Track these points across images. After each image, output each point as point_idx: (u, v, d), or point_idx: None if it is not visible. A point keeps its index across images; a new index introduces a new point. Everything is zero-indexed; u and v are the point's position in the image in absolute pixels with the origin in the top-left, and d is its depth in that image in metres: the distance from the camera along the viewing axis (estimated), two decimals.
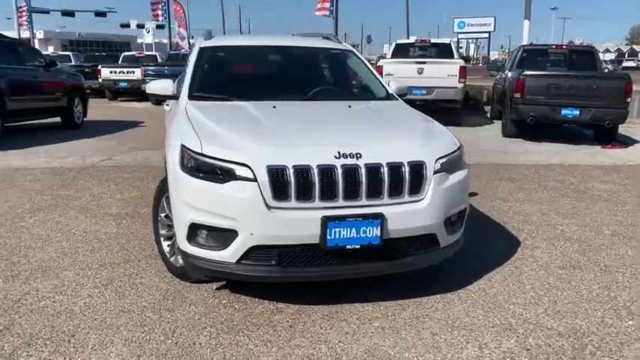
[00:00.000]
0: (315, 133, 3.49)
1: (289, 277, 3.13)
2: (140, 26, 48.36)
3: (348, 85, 4.82)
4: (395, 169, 3.14)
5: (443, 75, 12.40)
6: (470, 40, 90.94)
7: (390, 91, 4.54)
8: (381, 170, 3.10)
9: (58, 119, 11.75)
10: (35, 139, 10.14)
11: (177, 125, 3.64)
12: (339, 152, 3.08)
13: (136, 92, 18.87)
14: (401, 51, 14.46)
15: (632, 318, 3.32)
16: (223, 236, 3.08)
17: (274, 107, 3.91)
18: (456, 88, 12.39)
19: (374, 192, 3.11)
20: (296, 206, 3.04)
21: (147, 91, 4.36)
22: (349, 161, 3.07)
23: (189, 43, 25.92)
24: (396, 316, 3.30)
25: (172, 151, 3.34)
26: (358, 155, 3.10)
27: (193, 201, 3.12)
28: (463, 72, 12.44)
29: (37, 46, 70.17)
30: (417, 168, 3.21)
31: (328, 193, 3.04)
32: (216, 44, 4.84)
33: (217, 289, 3.61)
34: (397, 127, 3.74)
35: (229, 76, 4.68)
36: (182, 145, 3.26)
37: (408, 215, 3.19)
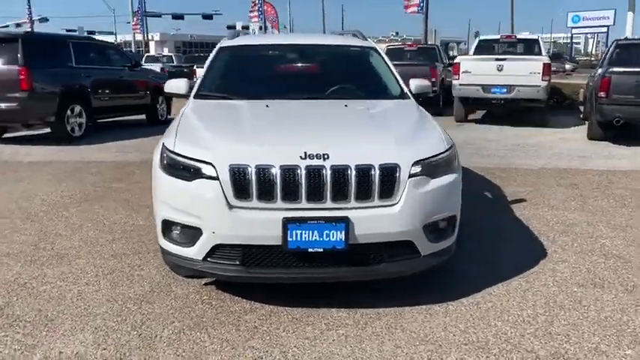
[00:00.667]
0: (291, 132, 3.44)
1: (252, 277, 3.11)
2: (245, 27, 50.26)
3: (360, 83, 4.69)
4: (363, 171, 3.01)
5: (524, 72, 11.70)
6: (589, 36, 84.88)
7: (405, 90, 4.35)
8: (348, 172, 2.99)
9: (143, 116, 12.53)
10: (115, 135, 10.89)
11: (171, 124, 3.74)
12: (305, 153, 3.01)
13: None
14: (485, 47, 13.81)
15: (634, 347, 2.94)
16: (191, 233, 3.13)
17: (267, 106, 3.90)
18: (539, 86, 11.65)
19: (339, 195, 3.00)
20: (257, 206, 3.01)
21: (164, 90, 4.52)
22: (314, 162, 2.98)
23: None
24: (367, 324, 3.17)
25: (157, 149, 3.44)
26: (325, 156, 3.01)
27: (166, 198, 3.20)
28: (547, 69, 11.66)
29: (153, 47, 75.29)
30: (389, 171, 3.05)
31: (290, 194, 2.98)
32: (235, 44, 4.91)
33: (205, 284, 3.66)
34: (382, 127, 3.58)
35: (240, 76, 4.73)
36: (162, 144, 3.35)
37: (378, 220, 3.04)
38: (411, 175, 3.09)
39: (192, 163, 3.09)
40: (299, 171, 2.96)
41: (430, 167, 3.19)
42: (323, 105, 4.06)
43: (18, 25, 43.26)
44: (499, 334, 3.07)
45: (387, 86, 4.52)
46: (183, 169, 3.12)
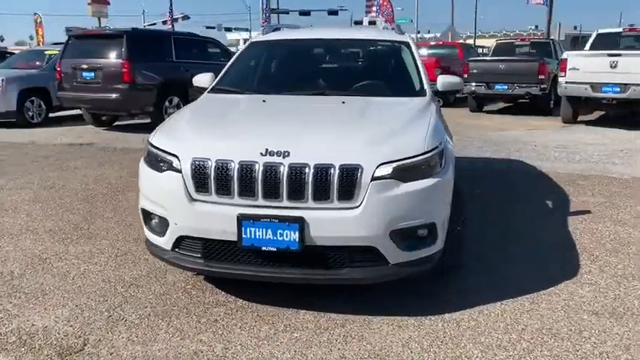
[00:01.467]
0: (262, 128, 3.39)
1: (212, 271, 3.13)
2: (372, 23, 50.19)
3: (377, 79, 4.47)
4: (322, 171, 2.89)
5: None
6: None
7: (424, 88, 4.09)
8: (306, 171, 2.89)
9: None
10: None
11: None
12: (266, 149, 2.96)
13: None
14: (604, 41, 12.51)
15: None
16: (161, 223, 3.22)
17: (264, 101, 3.88)
18: None
19: (296, 194, 2.91)
20: (216, 200, 3.02)
21: (193, 84, 4.67)
22: (273, 159, 2.92)
23: None
24: (327, 330, 3.06)
25: None
26: (286, 154, 2.93)
27: (143, 188, 3.32)
28: None
29: None
30: (350, 172, 2.90)
31: (247, 191, 2.95)
32: (265, 39, 4.93)
33: (197, 274, 3.75)
34: (361, 126, 3.39)
35: (258, 70, 4.74)
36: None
37: (337, 223, 2.91)
38: (375, 178, 2.91)
39: (163, 155, 3.17)
40: (257, 167, 2.92)
41: (401, 170, 2.97)
42: (321, 101, 3.95)
43: (164, 22, 46.97)
44: (457, 357, 2.80)
45: (405, 83, 4.28)
46: (158, 161, 3.21)
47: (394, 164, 2.96)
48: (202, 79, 4.52)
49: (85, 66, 10.35)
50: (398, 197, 2.94)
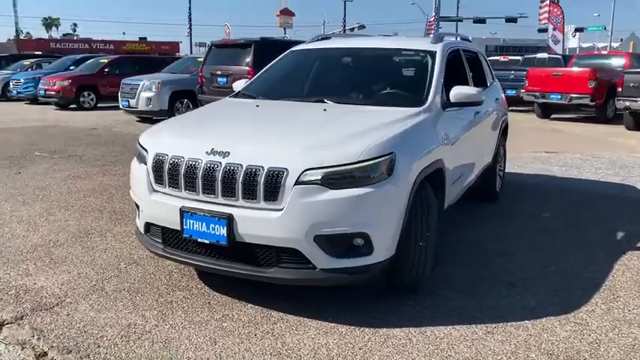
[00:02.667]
0: (223, 130, 3.62)
1: (168, 257, 3.43)
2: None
3: (382, 87, 4.38)
4: (252, 172, 3.05)
5: None
6: None
7: (429, 101, 3.96)
8: (238, 171, 3.08)
9: None
10: None
11: None
12: (212, 148, 3.21)
13: None
14: None
15: None
16: (138, 210, 3.64)
17: (257, 106, 4.11)
18: None
19: (228, 192, 3.11)
20: (168, 192, 3.35)
21: (233, 89, 5.06)
22: (214, 158, 3.16)
23: (563, 46, 24.09)
24: (254, 325, 3.21)
25: None
26: (226, 154, 3.15)
27: (131, 179, 3.77)
28: None
29: None
30: (275, 175, 3.01)
31: (190, 185, 3.23)
32: (303, 47, 5.12)
33: None
34: (313, 132, 3.42)
35: (281, 77, 4.92)
36: None
37: (262, 222, 3.05)
38: (299, 182, 2.99)
39: (141, 149, 3.59)
40: (200, 164, 3.18)
41: (329, 177, 3.00)
42: (307, 108, 4.03)
43: (342, 31, 49.10)
44: None
45: (409, 93, 4.17)
46: (139, 155, 3.64)
47: (323, 170, 3.00)
48: (238, 85, 4.88)
49: (219, 72, 11.45)
50: (322, 203, 2.98)
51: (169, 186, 3.32)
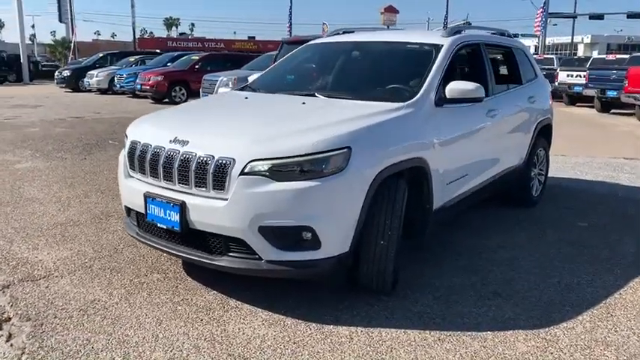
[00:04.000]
0: (193, 120, 3.71)
1: (141, 240, 3.59)
2: None
3: (377, 83, 4.21)
4: (203, 161, 3.12)
5: None
6: None
7: (418, 96, 3.80)
8: (192, 160, 3.16)
9: None
10: None
11: None
12: (175, 137, 3.32)
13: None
14: None
15: None
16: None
17: (246, 98, 4.16)
18: None
19: (183, 179, 3.21)
20: (138, 178, 3.51)
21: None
22: (175, 146, 3.27)
23: None
24: (205, 311, 3.28)
25: None
26: (185, 142, 3.25)
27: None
28: None
29: (581, 50, 71.44)
30: (223, 164, 3.05)
31: (154, 172, 3.36)
32: (317, 41, 5.10)
33: None
34: (272, 124, 3.40)
35: (287, 71, 4.90)
36: None
37: (208, 210, 3.11)
38: (244, 173, 3.01)
39: (124, 137, 3.79)
40: (162, 152, 3.31)
41: (276, 169, 3.00)
42: (288, 102, 4.00)
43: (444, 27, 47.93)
44: None
45: (400, 88, 4.01)
46: (124, 142, 3.85)
47: (269, 162, 3.00)
48: (250, 78, 4.98)
49: None
50: (265, 194, 2.98)
51: (139, 172, 3.48)
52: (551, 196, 6.07)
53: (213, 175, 3.06)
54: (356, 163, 3.10)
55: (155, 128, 3.60)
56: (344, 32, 5.26)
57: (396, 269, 3.39)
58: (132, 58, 23.50)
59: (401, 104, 3.67)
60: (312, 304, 3.33)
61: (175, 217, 3.19)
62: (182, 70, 17.84)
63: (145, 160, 3.39)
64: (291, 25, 43.72)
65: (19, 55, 32.91)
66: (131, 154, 3.53)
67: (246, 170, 3.00)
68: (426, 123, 3.75)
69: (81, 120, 12.78)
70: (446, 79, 4.05)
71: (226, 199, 3.05)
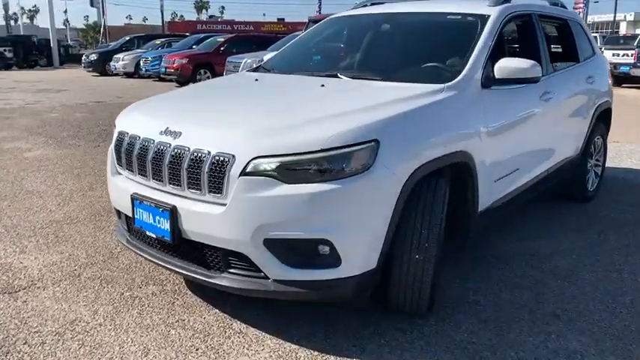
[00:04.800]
0: (190, 106, 3.14)
1: (131, 248, 3.05)
2: None
3: (414, 61, 3.56)
4: (197, 157, 2.54)
5: None
6: None
7: (463, 73, 3.15)
8: (184, 155, 2.59)
9: None
10: None
11: None
12: (167, 128, 2.75)
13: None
14: None
15: None
16: None
17: (256, 80, 3.56)
18: None
19: (175, 179, 2.64)
20: (127, 176, 2.97)
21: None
22: (166, 139, 2.70)
23: None
24: (206, 345, 2.74)
25: None
26: (178, 134, 2.68)
27: None
28: None
29: (623, 28, 68.99)
30: (221, 162, 2.48)
31: (142, 169, 2.81)
32: (343, 14, 4.45)
33: None
34: (283, 111, 2.81)
35: (308, 49, 4.27)
36: None
37: (204, 218, 2.54)
38: (245, 173, 2.43)
39: (113, 127, 3.24)
40: (151, 145, 2.75)
41: (285, 167, 2.40)
42: (305, 84, 3.39)
43: None
44: None
45: (439, 68, 3.35)
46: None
47: (277, 159, 2.41)
48: (266, 57, 4.38)
49: None
50: (272, 200, 2.40)
51: (127, 169, 2.93)
52: (608, 190, 5.34)
53: (209, 174, 2.49)
54: (385, 159, 2.48)
55: (146, 117, 3.04)
56: (372, 4, 4.59)
57: (433, 287, 2.77)
58: (158, 41, 23.13)
59: (440, 86, 3.02)
60: (330, 330, 2.76)
61: (165, 224, 2.64)
62: (207, 52, 17.34)
63: (132, 155, 2.84)
64: (320, 3, 42.77)
65: (50, 40, 32.97)
66: (118, 148, 2.98)
67: (248, 169, 2.41)
68: (471, 108, 3.10)
69: (102, 105, 12.40)
70: (494, 55, 3.37)
71: (224, 205, 2.47)
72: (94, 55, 23.85)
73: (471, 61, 3.23)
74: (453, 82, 3.07)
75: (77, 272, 3.43)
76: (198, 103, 3.28)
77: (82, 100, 13.13)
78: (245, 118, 2.75)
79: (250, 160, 2.41)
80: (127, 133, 2.92)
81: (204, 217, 2.53)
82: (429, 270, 2.68)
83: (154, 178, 2.73)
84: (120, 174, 3.04)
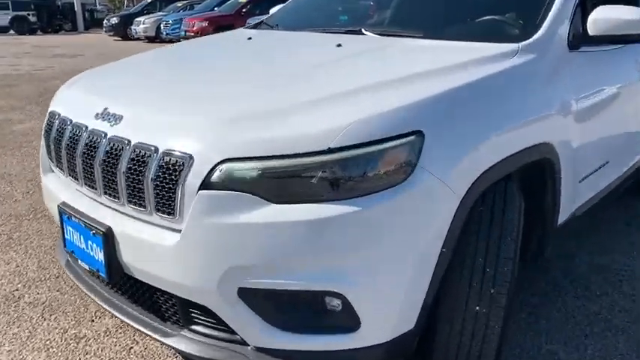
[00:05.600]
0: (149, 80, 2.21)
1: (69, 273, 2.18)
2: None
3: (471, 12, 2.53)
4: (140, 155, 1.65)
5: None
6: None
7: (542, 28, 2.15)
8: (123, 151, 1.70)
9: None
10: None
11: None
12: (105, 108, 1.86)
13: None
14: None
15: None
16: None
17: (249, 39, 2.62)
18: None
19: (110, 187, 1.76)
20: (59, 174, 2.10)
21: None
22: (101, 125, 1.81)
23: None
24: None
25: None
26: (118, 119, 1.78)
27: None
28: None
29: None
30: (172, 165, 1.57)
31: (71, 169, 1.93)
32: None
33: None
34: (279, 86, 1.85)
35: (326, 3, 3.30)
36: None
37: (150, 249, 1.65)
38: (208, 184, 1.52)
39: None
40: (83, 134, 1.86)
41: (270, 176, 1.49)
42: (315, 44, 2.43)
43: None
44: None
45: (507, 21, 2.35)
46: None
47: (259, 164, 1.49)
48: (272, 10, 3.43)
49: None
50: (250, 229, 1.49)
51: (57, 165, 2.05)
52: None
53: (155, 184, 1.58)
54: (433, 162, 1.55)
55: (84, 93, 2.15)
56: None
57: (500, 348, 1.84)
58: (180, 3, 22.12)
59: (513, 47, 2.03)
60: None
61: (99, 254, 1.75)
62: (228, 14, 16.32)
63: (60, 147, 1.95)
64: None
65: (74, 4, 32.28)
66: (47, 136, 2.10)
67: (213, 179, 1.50)
68: (555, 79, 2.12)
69: None
70: (583, 3, 2.35)
71: (179, 232, 1.56)
72: (115, 18, 23.03)
73: (553, 10, 2.22)
74: (530, 40, 2.08)
75: (18, 294, 2.62)
76: (161, 73, 2.35)
77: (94, 66, 12.34)
78: (215, 98, 1.82)
79: (217, 165, 1.50)
80: (58, 115, 2.04)
81: (149, 249, 1.64)
82: (495, 327, 1.75)
83: (86, 184, 1.85)
84: (52, 171, 2.16)
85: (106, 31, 23.26)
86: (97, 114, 1.84)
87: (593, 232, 3.23)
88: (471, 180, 1.63)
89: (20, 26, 27.41)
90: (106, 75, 2.36)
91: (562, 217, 2.29)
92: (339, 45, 2.22)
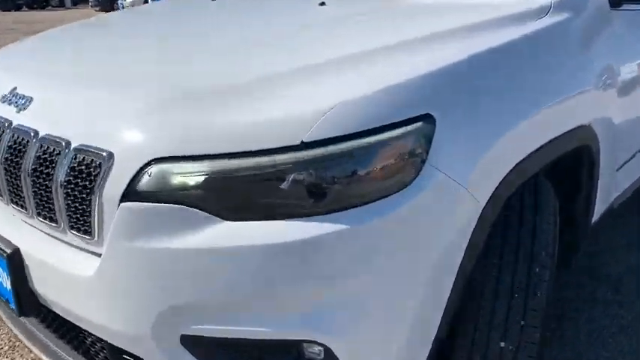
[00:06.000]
0: (81, 52, 1.75)
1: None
2: None
3: None
4: (48, 152, 1.22)
5: None
6: None
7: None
8: (28, 147, 1.26)
9: None
10: None
11: None
12: (13, 89, 1.42)
13: None
14: None
15: None
16: None
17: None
18: None
19: (14, 192, 1.32)
20: None
21: None
22: (4, 110, 1.38)
23: None
24: None
25: None
26: (25, 103, 1.34)
27: None
28: None
29: None
30: (87, 168, 1.14)
31: None
32: None
33: None
34: (243, 62, 1.39)
35: None
36: None
37: (64, 278, 1.23)
38: (133, 194, 1.08)
39: None
40: None
41: (221, 185, 1.05)
42: (293, 1, 1.98)
43: None
44: None
45: None
46: None
47: (205, 165, 1.06)
48: None
49: None
50: (193, 255, 1.06)
51: None
52: None
53: (67, 191, 1.15)
54: (447, 158, 1.10)
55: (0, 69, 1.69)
56: None
57: None
58: None
59: (541, 2, 1.58)
60: None
61: (6, 280, 1.33)
62: None
63: None
64: None
65: None
66: None
67: (140, 186, 1.07)
68: (595, 44, 1.68)
69: None
70: None
71: (100, 256, 1.13)
72: None
73: None
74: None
75: None
76: (94, 45, 1.88)
77: None
78: (152, 76, 1.36)
79: (144, 167, 1.07)
80: None
81: (63, 278, 1.21)
82: None
83: None
84: None
85: (91, 6, 22.73)
86: (4, 95, 1.39)
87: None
88: (497, 181, 1.21)
89: (4, 2, 26.70)
90: (30, 47, 1.90)
91: (597, 213, 1.88)
92: (322, 3, 1.76)
